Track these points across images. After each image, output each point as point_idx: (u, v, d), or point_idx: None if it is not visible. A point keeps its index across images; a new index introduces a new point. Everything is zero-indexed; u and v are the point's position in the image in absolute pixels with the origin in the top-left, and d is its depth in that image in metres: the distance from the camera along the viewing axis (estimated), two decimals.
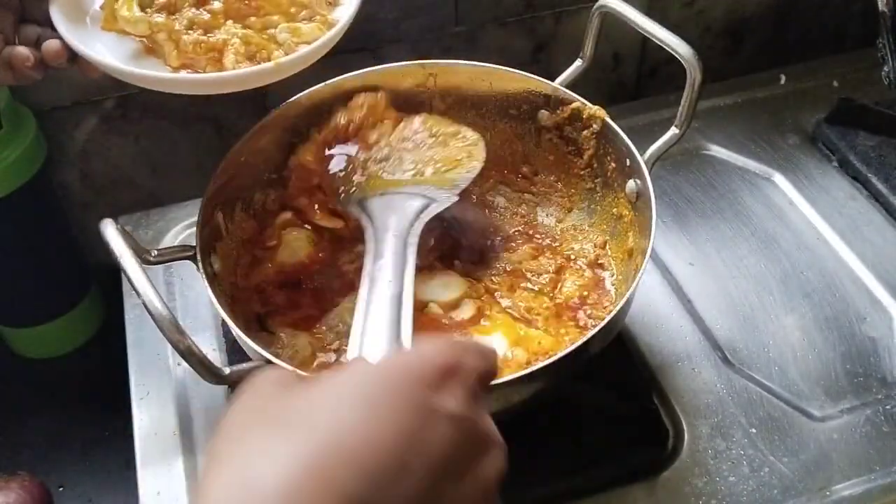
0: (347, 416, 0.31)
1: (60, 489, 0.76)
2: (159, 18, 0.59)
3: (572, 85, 0.73)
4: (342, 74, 0.71)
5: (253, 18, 0.61)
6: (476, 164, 0.69)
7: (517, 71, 0.73)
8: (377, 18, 0.87)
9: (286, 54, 0.59)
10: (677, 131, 0.64)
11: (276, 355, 0.60)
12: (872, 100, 0.91)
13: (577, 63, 0.74)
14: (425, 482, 0.31)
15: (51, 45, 0.56)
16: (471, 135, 0.71)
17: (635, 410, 0.67)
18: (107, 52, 0.59)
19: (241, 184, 0.70)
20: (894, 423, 0.66)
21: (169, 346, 0.51)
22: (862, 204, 0.85)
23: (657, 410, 0.67)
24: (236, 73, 0.57)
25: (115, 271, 0.61)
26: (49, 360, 0.89)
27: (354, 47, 0.86)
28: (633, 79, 1.04)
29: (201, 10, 0.61)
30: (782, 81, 0.99)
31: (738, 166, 0.89)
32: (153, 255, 0.61)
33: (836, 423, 0.66)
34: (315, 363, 0.63)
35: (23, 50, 0.55)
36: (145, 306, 0.51)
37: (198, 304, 0.75)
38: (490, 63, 0.74)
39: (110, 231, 0.56)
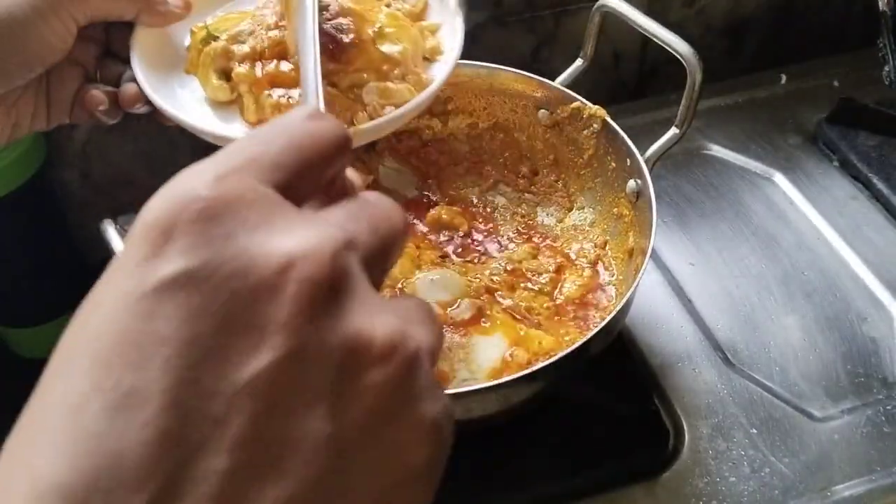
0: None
1: None
2: (241, 69, 0.54)
3: (572, 84, 0.72)
4: None
5: (341, 75, 0.53)
6: None
7: (517, 70, 0.73)
8: None
9: (370, 118, 0.53)
10: (678, 131, 0.64)
11: None
12: (873, 99, 0.91)
13: (578, 63, 0.73)
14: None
15: (128, 89, 0.53)
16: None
17: (636, 411, 0.67)
18: (187, 97, 0.55)
19: None
20: (895, 424, 0.66)
21: None
22: (863, 204, 0.84)
23: (657, 411, 0.67)
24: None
25: None
26: (48, 360, 0.89)
27: None
28: (634, 78, 1.04)
29: (284, 62, 0.54)
30: (783, 81, 0.99)
31: (739, 166, 0.89)
32: None
33: (837, 424, 0.66)
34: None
35: (97, 94, 0.52)
36: None
37: None
38: (490, 62, 0.74)
39: (110, 231, 0.56)
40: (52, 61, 0.49)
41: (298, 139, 0.24)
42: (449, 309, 0.66)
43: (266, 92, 0.54)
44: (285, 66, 0.53)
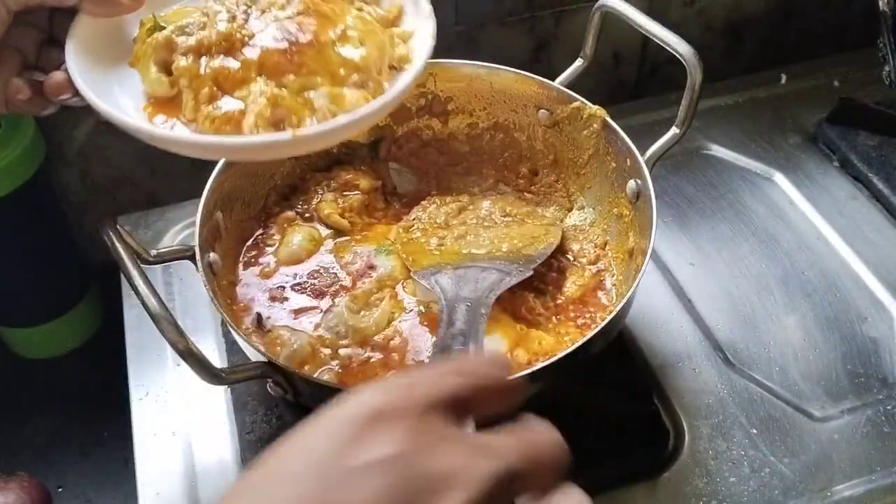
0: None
1: (59, 490, 0.76)
2: (183, 62, 0.50)
3: (572, 84, 0.72)
4: None
5: (291, 77, 0.49)
6: (553, 242, 0.69)
7: (517, 70, 0.73)
8: None
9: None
10: (678, 131, 0.64)
11: (276, 355, 0.60)
12: (873, 99, 0.91)
13: (578, 63, 0.73)
14: None
15: (53, 77, 0.48)
16: (549, 214, 0.73)
17: (636, 411, 0.67)
18: (126, 92, 0.52)
19: (241, 183, 0.70)
20: (895, 424, 0.65)
21: (168, 347, 0.51)
22: (863, 204, 0.84)
23: (658, 411, 0.67)
24: (244, 141, 0.48)
25: (114, 271, 0.61)
26: (48, 360, 0.89)
27: None
28: (634, 78, 1.04)
29: (231, 58, 0.50)
30: (783, 81, 0.99)
31: (739, 166, 0.89)
32: (152, 255, 0.60)
33: (837, 424, 0.66)
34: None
35: (17, 82, 0.49)
36: (144, 306, 0.51)
37: (197, 304, 0.75)
38: (490, 62, 0.73)
39: (109, 231, 0.56)
40: None
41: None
42: None
43: (204, 100, 0.50)
44: (232, 64, 0.50)
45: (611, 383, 0.67)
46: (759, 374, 0.69)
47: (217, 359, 0.71)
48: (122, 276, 0.69)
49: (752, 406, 0.67)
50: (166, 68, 0.51)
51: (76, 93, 0.48)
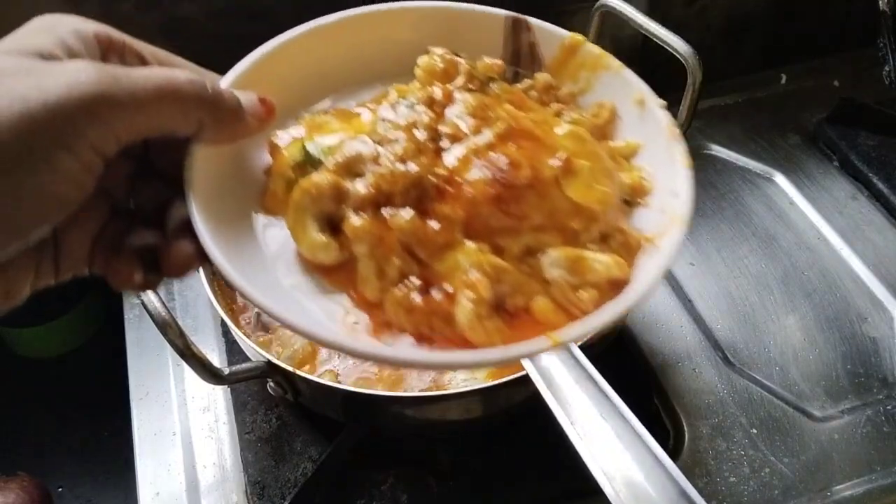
0: None
1: (59, 489, 0.76)
2: (358, 220, 0.36)
3: None
4: None
5: (509, 238, 0.36)
6: None
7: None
8: None
9: (558, 309, 0.35)
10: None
11: (276, 355, 0.60)
12: (873, 99, 0.91)
13: None
14: None
15: (180, 251, 0.36)
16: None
17: (635, 411, 0.67)
18: (267, 256, 0.38)
19: None
20: (895, 424, 0.65)
21: (168, 347, 0.51)
22: (863, 204, 0.84)
23: (657, 411, 0.67)
24: (478, 357, 0.34)
25: None
26: (48, 360, 0.89)
27: None
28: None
29: (425, 212, 0.35)
30: (783, 81, 0.99)
31: (739, 166, 0.89)
32: None
33: (837, 424, 0.66)
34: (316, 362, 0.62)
35: (128, 264, 0.36)
36: (144, 306, 0.51)
37: (197, 304, 0.75)
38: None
39: None
40: (59, 218, 0.32)
41: None
42: None
43: (393, 277, 0.35)
44: (431, 224, 0.35)
45: (611, 383, 0.67)
46: (759, 373, 0.69)
47: (217, 359, 0.71)
48: None
49: (752, 406, 0.67)
50: (331, 224, 0.37)
51: (204, 261, 0.36)
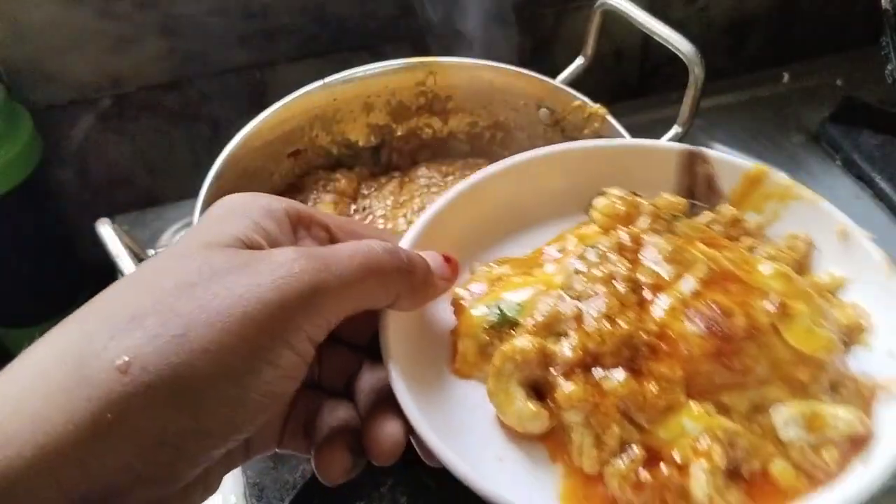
0: None
1: None
2: (570, 388, 0.33)
3: (573, 83, 0.72)
4: (338, 73, 0.70)
5: (733, 393, 0.33)
6: None
7: (518, 69, 0.72)
8: (376, 16, 0.86)
9: (800, 473, 0.32)
10: (679, 130, 0.63)
11: None
12: (876, 98, 0.91)
13: (579, 61, 0.73)
14: None
15: (386, 433, 0.34)
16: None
17: None
18: (472, 430, 0.35)
19: (239, 182, 0.69)
20: None
21: None
22: (866, 203, 0.84)
23: None
24: None
25: (111, 271, 0.60)
26: None
27: (353, 46, 0.86)
28: (635, 77, 1.04)
29: (640, 373, 0.33)
30: (785, 80, 0.98)
31: None
32: (150, 254, 0.60)
33: None
34: None
35: (338, 458, 0.35)
36: None
37: None
38: (490, 61, 0.73)
39: (107, 230, 0.55)
40: (276, 411, 0.33)
41: None
42: None
43: (613, 447, 0.33)
44: (649, 386, 0.33)
45: None
46: None
47: None
48: (119, 275, 0.68)
49: None
50: (534, 388, 0.35)
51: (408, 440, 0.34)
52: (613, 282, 0.36)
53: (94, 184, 0.89)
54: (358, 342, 0.37)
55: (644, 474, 0.32)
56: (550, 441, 0.35)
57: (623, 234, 0.38)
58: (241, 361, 0.29)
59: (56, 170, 0.86)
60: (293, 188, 0.75)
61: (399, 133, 0.77)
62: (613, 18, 0.68)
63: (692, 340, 0.33)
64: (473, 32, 0.83)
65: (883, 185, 0.84)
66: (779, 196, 0.43)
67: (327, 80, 0.70)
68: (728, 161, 0.46)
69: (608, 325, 0.34)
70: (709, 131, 0.91)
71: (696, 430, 0.32)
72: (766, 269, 0.37)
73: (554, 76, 0.72)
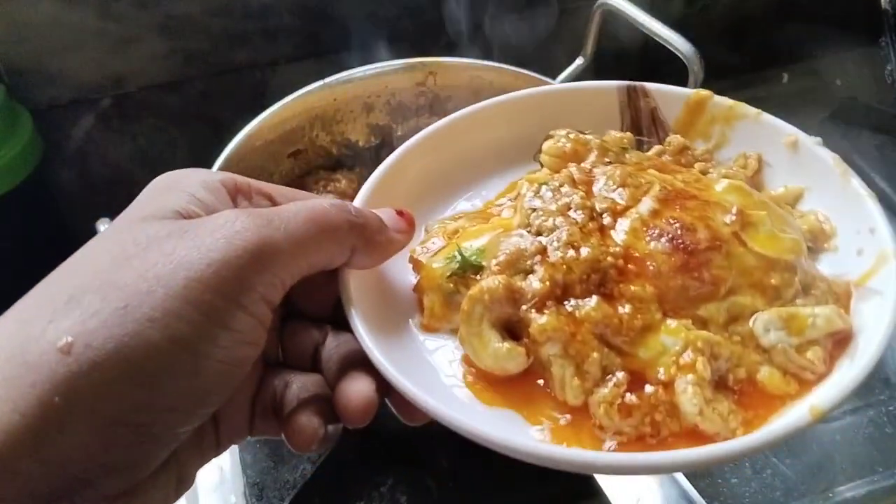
0: None
1: None
2: (544, 319, 0.32)
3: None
4: (338, 73, 0.71)
5: (710, 305, 0.33)
6: None
7: (517, 69, 0.72)
8: (376, 16, 0.86)
9: (789, 377, 0.32)
10: None
11: None
12: (875, 99, 0.91)
13: (578, 61, 0.73)
14: None
15: (355, 394, 0.33)
16: None
17: None
18: (444, 378, 0.35)
19: None
20: None
21: None
22: None
23: None
24: (738, 447, 0.29)
25: None
26: None
27: (353, 46, 0.86)
28: (635, 77, 1.04)
29: (612, 297, 0.33)
30: (785, 80, 0.98)
31: None
32: None
33: (839, 425, 0.65)
34: None
35: (305, 422, 0.33)
36: None
37: None
38: (490, 61, 0.73)
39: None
40: (237, 383, 0.30)
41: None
42: None
43: (594, 375, 0.32)
44: (625, 308, 0.32)
45: None
46: None
47: None
48: None
49: None
50: (506, 330, 0.34)
51: (382, 397, 0.33)
52: (570, 212, 0.35)
53: (94, 184, 0.89)
54: (321, 315, 0.36)
55: (630, 397, 0.31)
56: (520, 385, 0.34)
57: (573, 170, 0.38)
58: (192, 327, 0.27)
59: (56, 170, 0.86)
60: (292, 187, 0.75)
61: (399, 133, 0.77)
62: (613, 18, 0.68)
63: (658, 258, 0.33)
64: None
65: (882, 185, 0.84)
66: (723, 119, 0.43)
67: (327, 80, 0.70)
68: (668, 91, 0.45)
69: (573, 254, 0.33)
70: None
71: (676, 345, 0.32)
72: (720, 185, 0.37)
73: (554, 76, 0.72)
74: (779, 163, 0.41)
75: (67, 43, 0.78)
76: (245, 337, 0.29)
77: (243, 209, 0.32)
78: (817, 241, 0.38)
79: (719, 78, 0.96)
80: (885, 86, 0.88)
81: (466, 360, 0.35)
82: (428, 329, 0.36)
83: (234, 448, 0.65)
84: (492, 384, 0.34)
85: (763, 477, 0.62)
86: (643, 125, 0.45)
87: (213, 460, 0.65)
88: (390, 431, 0.66)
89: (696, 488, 0.61)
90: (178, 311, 0.27)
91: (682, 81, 0.62)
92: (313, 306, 0.36)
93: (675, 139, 0.43)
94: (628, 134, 0.43)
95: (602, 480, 0.51)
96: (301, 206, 0.32)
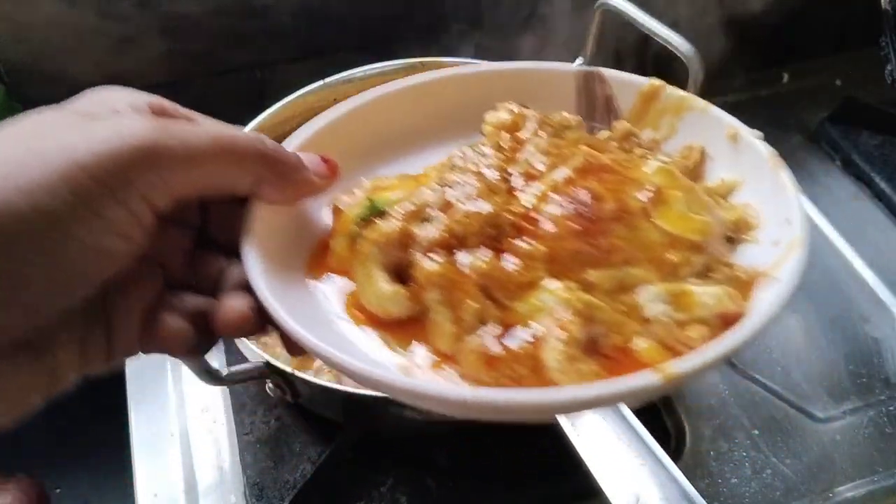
0: None
1: (57, 491, 0.76)
2: (430, 264, 0.33)
3: None
4: (338, 73, 0.70)
5: (598, 271, 0.32)
6: None
7: None
8: (376, 16, 0.86)
9: (664, 349, 0.32)
10: None
11: (275, 356, 0.59)
12: (876, 99, 0.91)
13: (578, 61, 0.73)
14: None
15: (229, 308, 0.33)
16: None
17: (637, 412, 0.67)
18: (329, 311, 0.36)
19: None
20: None
21: None
22: (865, 203, 0.84)
23: (659, 412, 0.66)
24: (571, 395, 0.29)
25: None
26: None
27: (353, 46, 0.86)
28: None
29: (503, 252, 0.33)
30: (785, 80, 0.98)
31: None
32: None
33: (839, 425, 0.65)
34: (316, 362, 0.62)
35: (172, 323, 0.33)
36: None
37: None
38: (489, 61, 0.73)
39: None
40: (107, 275, 0.31)
41: None
42: None
43: (470, 324, 0.32)
44: (509, 262, 0.32)
45: None
46: (760, 374, 0.69)
47: (216, 359, 0.71)
48: None
49: (754, 407, 0.66)
50: (398, 276, 0.34)
51: (258, 327, 0.33)
52: (484, 170, 0.36)
53: None
54: (234, 245, 0.36)
55: (497, 349, 0.31)
56: (408, 325, 0.34)
57: (504, 135, 0.39)
58: (61, 204, 0.28)
59: None
60: None
61: None
62: (613, 18, 0.68)
63: (558, 221, 0.33)
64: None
65: (882, 185, 0.84)
66: (673, 110, 0.43)
67: (327, 80, 0.70)
68: (624, 79, 0.45)
69: (473, 208, 0.34)
70: None
71: (554, 303, 0.31)
72: (650, 166, 0.37)
73: None
74: (720, 155, 0.41)
75: (67, 43, 0.78)
76: (116, 228, 0.29)
77: (149, 117, 0.32)
78: (740, 232, 0.37)
79: (719, 78, 0.97)
80: (885, 86, 0.88)
81: (357, 303, 0.35)
82: (333, 272, 0.36)
83: (235, 448, 0.65)
84: (379, 328, 0.34)
85: (763, 477, 0.62)
86: (597, 112, 0.45)
87: (213, 461, 0.66)
88: (390, 431, 0.66)
89: (696, 488, 0.61)
90: (49, 186, 0.28)
91: (682, 81, 0.62)
92: (224, 236, 0.36)
93: (620, 124, 0.43)
94: (577, 116, 0.43)
95: (602, 480, 0.50)
96: (210, 126, 0.33)
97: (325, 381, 0.59)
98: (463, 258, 0.33)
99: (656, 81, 0.44)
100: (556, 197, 0.34)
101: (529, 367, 0.31)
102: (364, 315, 0.35)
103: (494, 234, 0.33)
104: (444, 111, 0.44)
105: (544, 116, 0.41)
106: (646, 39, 0.65)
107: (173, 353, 0.35)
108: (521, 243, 0.33)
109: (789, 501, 0.61)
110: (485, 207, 0.34)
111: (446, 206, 0.35)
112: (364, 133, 0.43)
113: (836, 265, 0.78)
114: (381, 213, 0.36)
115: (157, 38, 0.81)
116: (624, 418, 0.47)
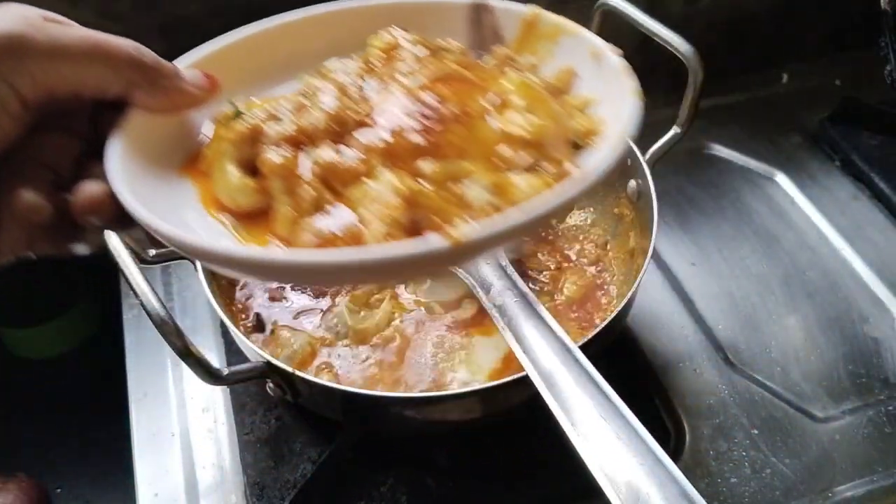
0: None
1: (58, 490, 0.76)
2: (275, 156, 0.36)
3: None
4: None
5: (431, 164, 0.35)
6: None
7: None
8: None
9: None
10: (679, 130, 0.64)
11: (275, 355, 0.59)
12: (875, 99, 0.91)
13: None
14: None
15: (84, 191, 0.34)
16: None
17: (636, 411, 0.67)
18: (188, 204, 0.38)
19: None
20: None
21: (167, 347, 0.51)
22: (864, 204, 0.84)
23: (658, 411, 0.66)
24: (373, 258, 0.31)
25: (112, 271, 0.60)
26: (47, 360, 0.88)
27: None
28: (636, 76, 1.04)
29: (344, 146, 0.36)
30: (784, 80, 0.98)
31: (740, 166, 0.88)
32: (151, 254, 0.60)
33: (839, 424, 0.65)
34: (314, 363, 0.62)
35: (31, 197, 0.33)
36: (143, 307, 0.51)
37: (196, 304, 0.75)
38: None
39: (107, 231, 0.55)
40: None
41: None
42: (450, 309, 0.66)
43: (308, 209, 0.35)
44: (347, 154, 0.35)
45: (611, 384, 0.67)
46: (760, 374, 0.69)
47: (216, 359, 0.71)
48: (121, 276, 0.68)
49: (754, 406, 0.67)
50: (250, 169, 0.37)
51: (117, 215, 0.34)
52: (342, 77, 0.39)
53: None
54: None
55: (325, 230, 0.34)
56: (258, 219, 0.36)
57: (377, 52, 0.41)
58: None
59: None
60: None
61: None
62: (613, 18, 0.68)
63: (399, 121, 0.36)
64: None
65: (882, 185, 0.84)
66: (549, 35, 0.45)
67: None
68: (507, 8, 0.46)
69: (322, 107, 0.37)
70: (708, 131, 0.91)
71: (383, 189, 0.34)
72: (511, 80, 0.39)
73: None
74: (586, 74, 0.43)
75: None
76: None
77: (31, 18, 0.33)
78: (586, 138, 0.40)
79: (719, 78, 0.97)
80: (885, 86, 0.89)
81: (214, 198, 0.37)
82: (203, 174, 0.39)
83: (235, 447, 0.65)
84: (233, 219, 0.37)
85: (763, 477, 0.62)
86: (487, 42, 0.47)
87: (214, 460, 0.66)
88: (390, 431, 0.66)
89: (696, 488, 0.61)
90: None
91: (682, 81, 0.62)
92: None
93: (499, 49, 0.45)
94: (458, 43, 0.44)
95: (602, 480, 0.50)
96: (86, 30, 0.34)
97: (326, 380, 0.59)
98: (307, 150, 0.36)
99: (535, 8, 0.46)
100: (402, 98, 0.37)
101: (354, 243, 0.33)
102: (218, 207, 0.37)
103: (339, 132, 0.36)
104: (340, 40, 0.45)
105: (423, 39, 0.43)
106: (645, 39, 0.65)
107: (40, 247, 0.35)
108: (361, 137, 0.36)
109: (789, 501, 0.61)
110: (332, 105, 0.37)
111: (299, 108, 0.38)
112: (260, 58, 0.44)
113: (836, 265, 0.78)
114: (240, 116, 0.39)
115: (157, 38, 0.81)
116: (624, 418, 0.47)
